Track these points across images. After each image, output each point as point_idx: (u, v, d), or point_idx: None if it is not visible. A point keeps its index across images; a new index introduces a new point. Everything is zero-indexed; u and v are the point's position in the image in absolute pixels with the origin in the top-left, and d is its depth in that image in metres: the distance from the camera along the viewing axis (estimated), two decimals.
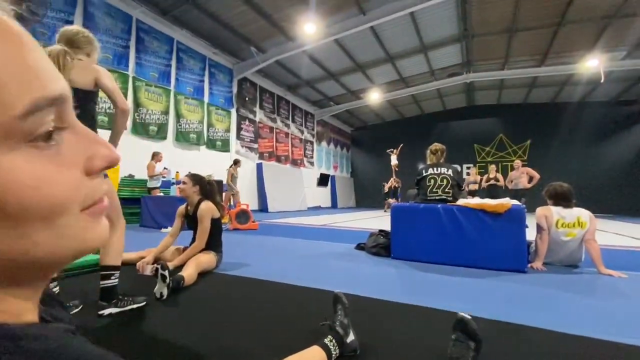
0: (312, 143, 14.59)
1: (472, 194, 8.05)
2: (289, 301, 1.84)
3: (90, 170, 0.24)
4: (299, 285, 2.10)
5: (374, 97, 12.80)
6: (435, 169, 3.12)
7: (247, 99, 10.62)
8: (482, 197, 3.40)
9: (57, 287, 1.57)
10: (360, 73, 11.18)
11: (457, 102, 14.76)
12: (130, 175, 6.24)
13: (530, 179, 7.12)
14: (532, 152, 13.87)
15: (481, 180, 8.40)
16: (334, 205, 15.57)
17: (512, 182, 7.34)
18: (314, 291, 1.99)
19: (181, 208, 2.64)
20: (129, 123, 6.96)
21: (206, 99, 9.03)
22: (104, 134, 1.57)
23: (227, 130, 9.77)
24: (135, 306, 1.66)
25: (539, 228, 2.75)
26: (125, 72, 6.96)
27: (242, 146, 10.41)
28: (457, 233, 2.77)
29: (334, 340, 1.11)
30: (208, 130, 9.06)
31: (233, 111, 10.03)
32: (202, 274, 2.28)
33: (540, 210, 2.79)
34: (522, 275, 2.49)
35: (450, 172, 3.09)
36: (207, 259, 2.40)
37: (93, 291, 1.68)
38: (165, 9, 7.44)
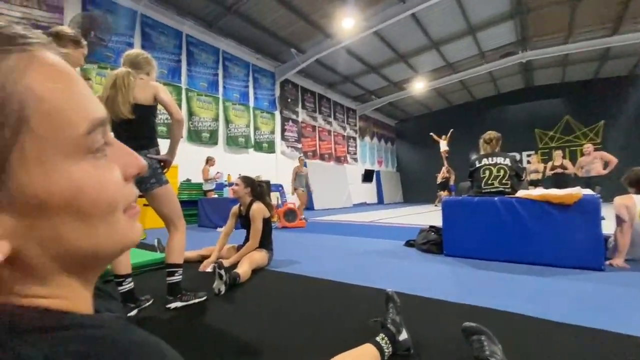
0: (354, 139, 14.47)
1: (535, 184, 7.33)
2: (338, 298, 1.85)
3: (127, 176, 0.28)
4: (348, 283, 2.10)
5: (418, 86, 12.28)
6: (490, 159, 2.91)
7: (289, 100, 10.87)
8: (546, 187, 3.09)
9: (132, 283, 1.75)
10: (402, 63, 10.80)
11: (513, 84, 13.55)
12: (188, 180, 6.75)
13: (606, 164, 6.27)
14: (607, 133, 12.20)
15: (545, 168, 7.61)
16: (380, 201, 15.29)
17: (582, 168, 6.52)
18: (363, 289, 1.98)
19: (235, 208, 2.80)
20: (184, 131, 7.54)
21: (251, 103, 9.42)
22: (164, 143, 1.73)
23: (272, 132, 10.09)
24: (197, 301, 1.81)
25: (619, 220, 2.42)
26: (179, 85, 7.54)
27: (287, 146, 10.69)
28: (517, 227, 2.55)
29: (386, 338, 1.09)
30: (255, 134, 9.45)
31: (277, 113, 10.33)
32: (256, 271, 2.39)
33: (619, 199, 2.46)
34: (598, 274, 2.22)
35: (507, 161, 2.85)
36: (260, 257, 2.51)
37: (161, 287, 1.86)
38: (210, 21, 7.90)
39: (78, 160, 0.23)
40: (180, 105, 7.49)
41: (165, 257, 1.83)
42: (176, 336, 1.42)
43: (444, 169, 10.50)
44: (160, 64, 7.14)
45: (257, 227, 2.55)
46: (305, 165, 7.73)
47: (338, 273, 2.34)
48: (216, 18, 7.78)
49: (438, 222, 3.17)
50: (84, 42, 2.00)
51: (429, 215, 7.17)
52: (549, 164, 7.43)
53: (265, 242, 2.67)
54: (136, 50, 1.90)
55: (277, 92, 10.39)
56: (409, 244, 3.44)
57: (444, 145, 10.92)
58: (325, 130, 12.57)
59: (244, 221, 2.69)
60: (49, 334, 0.20)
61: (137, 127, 1.74)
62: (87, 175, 0.23)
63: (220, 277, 1.94)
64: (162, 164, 1.84)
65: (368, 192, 14.89)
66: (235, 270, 2.14)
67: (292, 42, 9.04)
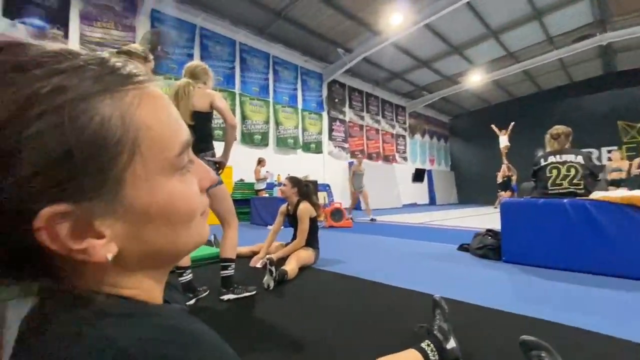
0: (404, 137, 14.01)
1: (617, 184, 6.40)
2: (383, 300, 1.82)
3: (202, 188, 0.32)
4: (394, 285, 2.06)
5: (475, 79, 11.47)
6: (557, 156, 2.61)
7: (336, 100, 10.91)
8: (631, 189, 2.68)
9: (191, 275, 1.91)
10: (456, 55, 10.19)
11: (590, 71, 11.95)
12: (241, 180, 7.16)
13: None
14: None
15: (630, 166, 6.60)
16: (432, 202, 14.59)
17: None
18: (410, 292, 1.92)
19: (283, 207, 2.90)
20: (238, 134, 8.00)
21: (300, 105, 9.65)
22: (219, 145, 1.86)
23: (320, 133, 10.23)
24: (247, 294, 1.91)
25: None
26: (233, 90, 8.01)
27: (335, 146, 10.74)
28: (591, 233, 2.26)
29: (432, 345, 1.06)
30: (303, 135, 9.66)
31: (324, 114, 10.44)
32: (302, 269, 2.45)
33: None
34: None
35: (579, 158, 2.53)
36: (307, 255, 2.57)
37: (217, 279, 1.99)
38: (261, 28, 8.26)
39: (170, 176, 0.27)
40: (234, 110, 7.96)
41: (219, 251, 1.97)
42: (227, 326, 1.52)
43: (504, 166, 9.56)
44: (217, 72, 7.66)
45: (303, 226, 2.62)
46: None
47: (384, 274, 2.29)
48: (267, 24, 8.11)
49: (496, 225, 2.94)
50: (151, 57, 2.24)
51: (486, 218, 6.66)
52: (636, 161, 6.44)
53: (312, 241, 2.73)
54: (195, 62, 2.07)
55: (325, 93, 10.49)
56: (463, 248, 3.24)
57: (504, 141, 9.96)
58: (373, 129, 12.37)
59: (292, 220, 2.78)
60: (129, 319, 0.24)
61: (195, 133, 1.89)
62: (177, 189, 0.28)
63: (271, 272, 2.03)
64: (217, 165, 1.97)
65: (419, 192, 14.33)
66: (283, 268, 2.22)
67: (339, 42, 9.06)
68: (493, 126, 10.26)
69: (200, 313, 1.68)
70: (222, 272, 1.92)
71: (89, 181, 0.23)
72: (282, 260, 2.51)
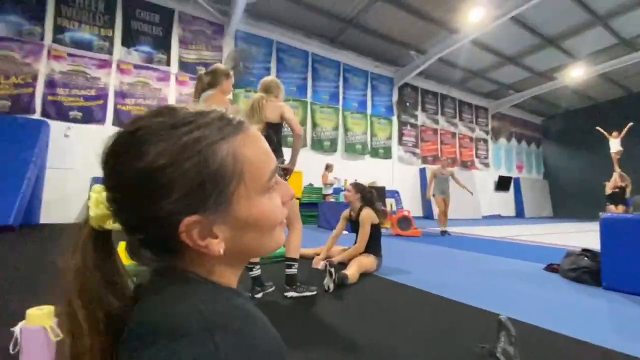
0: (485, 141, 12.79)
1: None
2: (447, 316, 1.71)
3: (283, 202, 0.40)
4: (462, 302, 1.92)
5: (576, 73, 9.90)
6: None
7: (407, 104, 10.57)
8: None
9: (259, 270, 2.08)
10: (551, 48, 8.97)
11: None
12: (310, 184, 7.44)
13: None
14: None
15: None
16: (520, 214, 12.96)
17: None
18: (478, 311, 1.77)
19: (345, 212, 2.95)
20: (308, 141, 8.35)
21: (369, 111, 9.62)
22: (288, 151, 2.01)
23: (389, 138, 10.02)
24: (308, 294, 2.00)
25: None
26: (305, 100, 8.41)
27: (405, 152, 10.40)
28: None
29: None
30: (371, 140, 9.60)
31: (394, 119, 10.21)
32: (363, 275, 2.45)
33: None
34: None
35: None
36: (369, 262, 2.57)
37: (282, 277, 2.13)
38: (332, 37, 8.53)
39: (262, 196, 0.36)
40: (305, 118, 8.35)
41: (284, 251, 2.11)
42: (288, 320, 1.62)
43: (615, 175, 7.83)
44: (290, 83, 8.16)
45: (365, 231, 2.62)
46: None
47: (452, 289, 2.15)
48: (338, 34, 8.34)
49: (595, 244, 2.51)
50: (232, 73, 2.54)
51: (585, 236, 5.67)
52: None
53: (374, 248, 2.71)
54: (269, 77, 2.29)
55: (395, 97, 10.27)
56: (551, 268, 2.83)
57: (615, 145, 8.27)
58: (448, 133, 11.62)
59: (354, 225, 2.80)
60: (212, 296, 0.33)
61: (267, 141, 2.08)
62: (266, 205, 0.37)
63: (330, 274, 2.10)
64: (285, 171, 2.12)
65: (503, 202, 12.88)
66: (344, 272, 2.25)
67: (412, 44, 8.79)
68: (600, 129, 8.65)
69: (265, 306, 1.83)
70: (286, 270, 2.05)
71: (212, 200, 0.33)
72: (344, 265, 2.55)
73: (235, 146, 0.34)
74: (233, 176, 0.34)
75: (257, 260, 2.06)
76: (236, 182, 0.34)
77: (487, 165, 12.69)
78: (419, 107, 10.89)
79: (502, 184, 12.83)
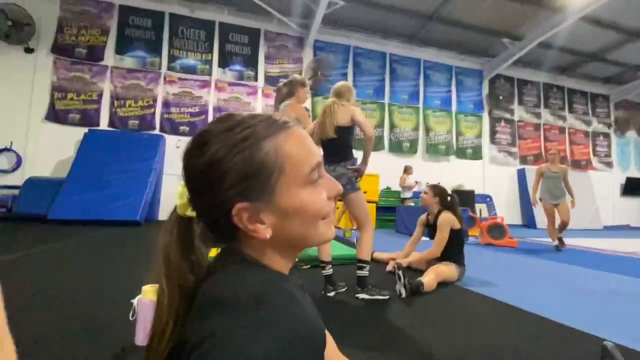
0: (606, 136, 10.52)
1: None
2: (545, 339, 1.47)
3: (330, 197, 0.43)
4: (561, 323, 1.62)
5: None
6: None
7: (500, 97, 9.43)
8: None
9: (331, 270, 2.12)
10: None
11: None
12: (387, 188, 7.26)
13: None
14: None
15: None
16: None
17: None
18: (581, 335, 1.46)
19: (422, 217, 2.79)
20: (386, 143, 8.17)
21: (454, 108, 8.91)
22: (358, 153, 2.02)
23: (478, 136, 9.09)
24: (380, 297, 1.96)
25: None
26: (382, 102, 8.27)
27: (499, 151, 9.29)
28: None
29: None
30: (457, 140, 8.86)
31: (484, 115, 9.22)
32: (442, 284, 2.28)
33: None
34: None
35: None
36: (448, 270, 2.37)
37: (354, 278, 2.13)
38: (411, 35, 8.20)
39: (304, 188, 0.40)
40: (383, 120, 8.20)
41: (356, 252, 2.11)
42: (356, 321, 1.61)
43: None
44: (367, 86, 8.13)
45: (442, 235, 2.43)
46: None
47: (549, 307, 1.84)
48: (417, 30, 7.99)
49: None
50: (307, 82, 2.70)
51: None
52: None
53: (456, 256, 2.49)
54: (340, 82, 2.33)
55: (485, 91, 9.28)
56: None
57: None
58: (554, 128, 9.95)
59: (431, 230, 2.63)
60: (259, 276, 0.39)
61: (338, 144, 2.13)
62: (308, 197, 0.40)
63: (399, 278, 2.01)
64: (356, 172, 2.13)
65: (634, 210, 10.39)
66: (419, 279, 2.13)
67: (503, 31, 7.85)
68: None
69: (336, 305, 1.86)
70: (357, 272, 2.04)
71: (257, 190, 0.39)
72: (420, 272, 2.41)
73: (277, 143, 0.39)
74: (274, 169, 0.38)
75: (328, 259, 2.11)
76: (277, 174, 0.38)
77: (609, 164, 10.42)
78: (515, 100, 9.61)
79: (631, 187, 10.34)
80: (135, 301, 1.30)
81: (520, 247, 4.55)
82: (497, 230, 4.74)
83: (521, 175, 9.23)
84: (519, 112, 9.62)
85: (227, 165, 0.38)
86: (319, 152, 0.44)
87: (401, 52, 8.49)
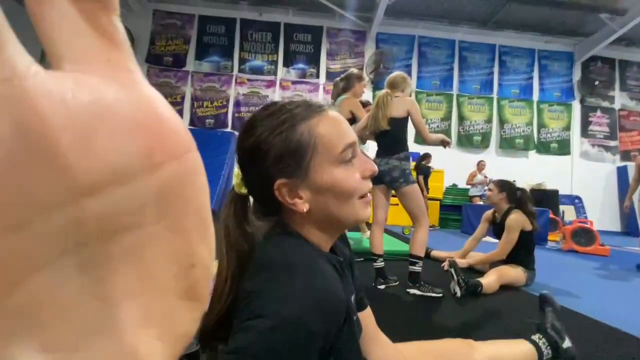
0: None
1: None
2: (614, 353, 1.28)
3: (364, 176, 0.46)
4: None
5: None
6: None
7: (596, 82, 8.05)
8: None
9: (383, 263, 2.13)
10: None
11: None
12: (454, 185, 6.81)
13: None
14: None
15: None
16: None
17: None
18: None
19: (488, 213, 2.60)
20: (454, 137, 7.62)
21: (535, 97, 7.92)
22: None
23: (567, 128, 7.93)
24: (432, 294, 1.91)
25: None
26: (450, 93, 7.74)
27: (592, 145, 7.99)
28: None
29: (544, 339, 1.04)
30: (539, 132, 7.87)
31: (575, 103, 8.00)
32: (506, 288, 2.11)
33: None
34: None
35: None
36: (513, 274, 2.19)
37: (406, 274, 2.10)
38: (484, 20, 7.49)
39: (337, 166, 0.44)
40: (450, 112, 7.69)
41: (409, 247, 2.07)
42: (405, 315, 1.61)
43: None
44: (433, 76, 7.70)
45: (510, 237, 2.23)
46: None
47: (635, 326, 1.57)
48: (492, 13, 7.27)
49: None
50: (364, 76, 2.72)
51: None
52: None
53: (524, 259, 2.27)
54: (395, 72, 2.28)
55: (577, 76, 8.04)
56: None
57: None
58: None
59: (497, 229, 2.42)
60: (298, 247, 0.45)
61: (391, 136, 2.10)
62: (340, 175, 0.44)
63: (453, 275, 1.93)
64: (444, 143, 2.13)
65: None
66: (479, 279, 2.01)
67: (601, 4, 6.67)
68: None
69: (385, 298, 1.87)
70: (410, 267, 2.01)
71: (294, 167, 0.45)
72: (481, 273, 2.26)
73: (310, 124, 0.44)
74: (308, 148, 0.43)
75: (380, 252, 2.12)
76: (311, 153, 0.43)
77: None
78: (617, 86, 8.13)
79: None
80: None
81: (614, 256, 3.90)
82: (584, 235, 4.12)
83: (622, 173, 7.79)
84: (620, 100, 8.12)
85: (269, 146, 0.44)
86: (352, 133, 0.46)
87: (472, 39, 7.82)
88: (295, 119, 0.44)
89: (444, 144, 2.14)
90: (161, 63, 7.32)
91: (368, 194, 0.47)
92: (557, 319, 1.16)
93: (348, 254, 0.60)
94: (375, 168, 0.47)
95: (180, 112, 7.27)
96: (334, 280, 0.42)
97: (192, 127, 7.20)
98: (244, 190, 0.49)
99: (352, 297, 0.53)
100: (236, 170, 0.51)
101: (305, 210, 0.44)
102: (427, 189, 5.67)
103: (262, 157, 0.44)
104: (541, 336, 1.06)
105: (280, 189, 0.44)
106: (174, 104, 7.26)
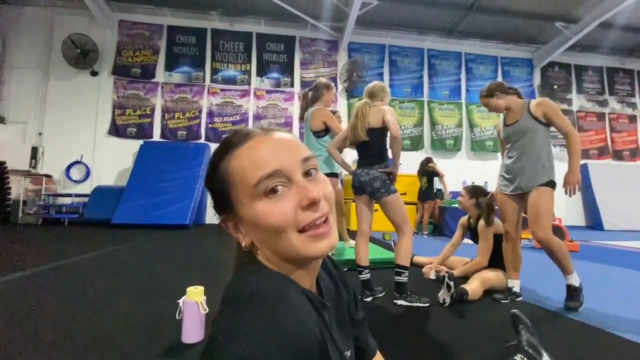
0: None
1: None
2: (598, 353, 1.31)
3: (302, 206, 0.39)
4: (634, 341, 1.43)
5: None
6: None
7: (555, 87, 8.61)
8: None
9: (369, 274, 2.09)
10: None
11: None
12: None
13: None
14: None
15: None
16: None
17: None
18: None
19: (463, 219, 2.64)
20: (427, 142, 7.86)
21: None
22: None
23: None
24: (420, 305, 1.89)
25: None
26: (421, 99, 7.98)
27: (554, 145, 8.45)
28: None
29: (525, 359, 1.07)
30: None
31: None
32: (489, 292, 2.13)
33: None
34: None
35: None
36: (496, 277, 2.22)
37: (391, 283, 2.07)
38: (450, 29, 7.82)
39: (256, 200, 0.39)
40: (422, 118, 7.91)
41: (394, 257, 2.05)
42: (394, 328, 1.57)
43: None
44: (404, 84, 7.91)
45: (487, 244, 2.27)
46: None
47: (622, 323, 1.63)
48: (457, 23, 7.61)
49: None
50: (333, 85, 2.72)
51: None
52: None
53: (502, 262, 2.31)
54: (373, 82, 2.27)
55: (536, 81, 8.56)
56: None
57: None
58: (623, 117, 8.86)
59: (474, 235, 2.47)
60: (265, 280, 0.39)
61: (371, 147, 2.09)
62: (260, 209, 0.38)
63: (449, 287, 1.91)
64: (390, 175, 2.07)
65: None
66: (463, 286, 2.02)
67: (556, 14, 7.18)
68: None
69: (373, 311, 1.83)
70: (395, 277, 1.99)
71: (225, 203, 0.43)
72: (464, 279, 2.29)
73: (228, 160, 0.42)
74: (228, 185, 0.41)
75: (366, 264, 2.09)
76: (231, 189, 0.41)
77: None
78: (574, 89, 8.73)
79: None
80: (180, 302, 1.39)
81: (583, 252, 4.11)
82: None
83: (583, 171, 8.29)
84: (578, 102, 8.72)
85: (211, 182, 0.44)
86: (280, 160, 0.39)
87: (440, 47, 8.14)
88: (220, 156, 0.43)
89: (390, 175, 2.05)
90: (129, 75, 7.03)
91: (325, 226, 0.40)
92: (531, 334, 1.19)
93: (345, 297, 0.55)
94: (315, 194, 0.39)
95: (151, 125, 6.99)
96: (306, 313, 0.37)
97: (163, 140, 6.95)
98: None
99: (348, 353, 0.48)
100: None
101: (247, 244, 0.43)
102: (435, 193, 5.78)
103: (211, 193, 0.45)
104: (522, 356, 1.09)
105: (226, 223, 0.44)
106: (143, 116, 6.98)
